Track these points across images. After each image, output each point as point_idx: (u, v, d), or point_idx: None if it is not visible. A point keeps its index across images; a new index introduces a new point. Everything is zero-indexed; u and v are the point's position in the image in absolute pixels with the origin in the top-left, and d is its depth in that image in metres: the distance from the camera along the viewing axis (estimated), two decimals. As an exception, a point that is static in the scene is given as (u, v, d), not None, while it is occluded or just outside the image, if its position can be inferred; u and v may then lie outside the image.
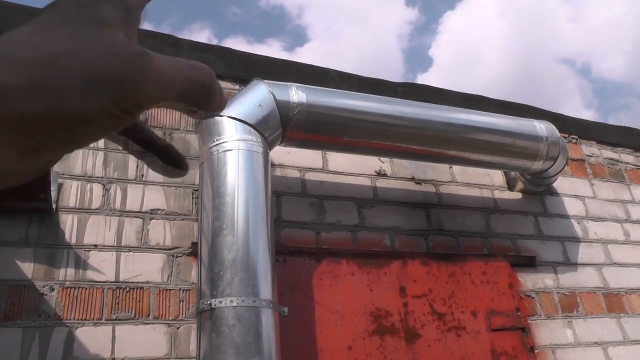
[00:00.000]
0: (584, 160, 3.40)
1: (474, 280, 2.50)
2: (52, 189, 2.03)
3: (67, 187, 2.11)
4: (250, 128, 2.03)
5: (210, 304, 1.71)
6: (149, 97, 0.34)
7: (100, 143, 2.25)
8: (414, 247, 2.49)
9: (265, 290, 1.77)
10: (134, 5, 0.37)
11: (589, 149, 3.49)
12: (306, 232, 2.32)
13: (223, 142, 1.98)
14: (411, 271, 2.38)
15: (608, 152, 3.56)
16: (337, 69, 2.93)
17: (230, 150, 1.96)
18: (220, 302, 1.70)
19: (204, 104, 0.38)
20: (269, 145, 2.10)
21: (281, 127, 2.14)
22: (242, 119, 2.02)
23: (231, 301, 1.69)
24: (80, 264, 1.97)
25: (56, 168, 2.12)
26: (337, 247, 2.31)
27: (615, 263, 3.03)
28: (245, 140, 1.98)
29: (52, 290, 1.90)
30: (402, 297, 2.30)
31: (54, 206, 2.03)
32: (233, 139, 1.98)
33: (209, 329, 1.70)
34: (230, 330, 1.66)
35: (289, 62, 2.85)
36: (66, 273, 1.94)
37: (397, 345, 2.20)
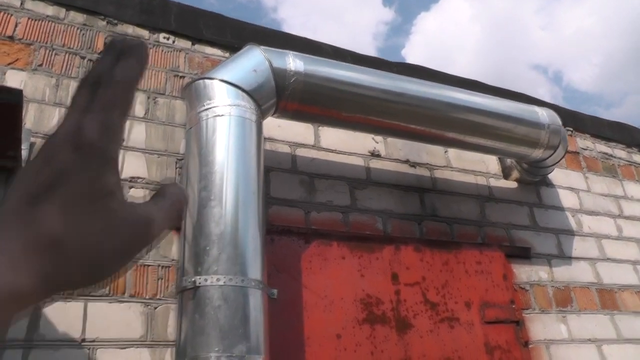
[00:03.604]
0: (578, 153, 3.32)
1: (468, 270, 2.38)
2: (22, 147, 1.84)
3: (39, 147, 1.92)
4: (244, 94, 1.87)
5: (194, 282, 1.55)
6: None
7: (77, 105, 2.06)
8: (407, 232, 2.36)
9: (255, 269, 1.62)
10: (115, 157, 0.39)
11: (583, 142, 3.40)
12: (295, 211, 2.17)
13: (213, 107, 1.81)
14: (404, 257, 2.25)
15: (602, 147, 3.48)
16: (332, 44, 2.78)
17: (222, 115, 1.79)
18: (206, 280, 1.53)
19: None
20: (262, 114, 1.94)
21: (276, 96, 1.98)
22: (236, 83, 1.85)
23: (218, 279, 1.53)
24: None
25: (28, 125, 1.93)
26: (328, 228, 2.17)
27: (608, 258, 2.95)
28: (238, 105, 1.82)
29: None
30: (394, 285, 2.17)
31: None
32: (225, 104, 1.81)
33: (192, 310, 1.54)
34: (216, 311, 1.50)
35: (282, 32, 2.69)
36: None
37: (388, 335, 2.07)
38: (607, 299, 2.81)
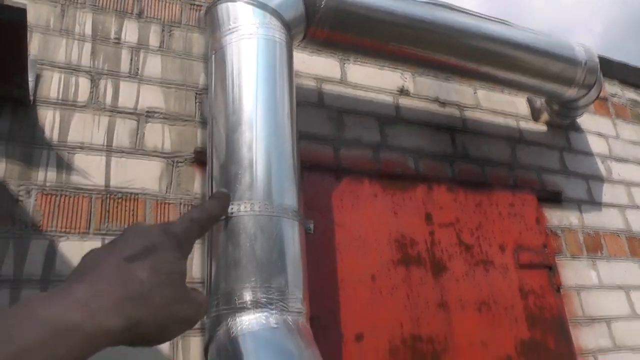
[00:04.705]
0: (607, 99, 3.18)
1: (502, 212, 2.26)
2: (29, 78, 1.68)
3: (46, 78, 1.77)
4: (272, 16, 1.71)
5: (226, 211, 1.41)
6: None
7: (88, 30, 1.90)
8: (440, 172, 2.23)
9: (291, 199, 1.48)
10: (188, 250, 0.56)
11: (612, 88, 3.26)
12: (324, 148, 2.03)
13: (239, 28, 1.65)
14: (437, 197, 2.13)
15: (631, 94, 3.34)
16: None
17: (249, 37, 1.63)
18: (239, 208, 1.40)
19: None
20: (291, 39, 1.78)
21: (305, 21, 1.82)
22: (264, 2, 1.69)
23: (252, 208, 1.40)
24: (63, 165, 1.65)
25: (34, 54, 1.77)
26: (358, 165, 2.04)
27: (637, 206, 2.85)
28: (268, 26, 1.66)
29: (29, 194, 1.58)
30: (428, 225, 2.05)
31: (31, 97, 1.69)
32: (252, 24, 1.65)
33: (224, 241, 1.40)
34: (252, 242, 1.37)
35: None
36: (46, 176, 1.62)
37: (423, 278, 1.96)
38: (636, 246, 2.71)
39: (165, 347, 1.56)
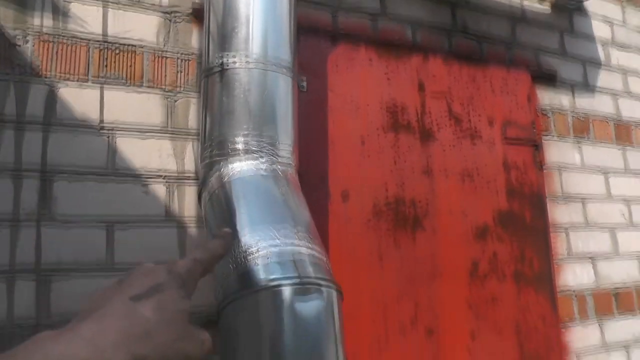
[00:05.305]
0: (617, -19, 3.09)
1: (494, 88, 2.30)
2: None
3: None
4: None
5: (221, 64, 1.44)
6: None
7: None
8: (437, 44, 2.23)
9: (286, 55, 1.51)
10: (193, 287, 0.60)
11: (624, -30, 3.15)
12: (322, 13, 2.01)
13: None
14: (432, 68, 2.15)
15: (642, -23, 3.23)
16: None
17: None
18: (234, 61, 1.43)
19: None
20: None
21: None
22: None
23: (247, 61, 1.43)
24: (59, 13, 1.65)
25: None
26: (356, 31, 2.03)
27: (632, 94, 2.87)
28: None
29: (26, 40, 1.60)
30: (420, 95, 2.09)
31: (24, -61, 1.65)
32: None
33: (219, 93, 1.45)
34: (246, 94, 1.42)
35: None
36: (42, 22, 1.62)
37: (411, 145, 2.03)
38: (622, 133, 2.78)
39: (161, 195, 1.66)
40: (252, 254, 1.19)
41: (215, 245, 0.66)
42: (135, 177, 1.62)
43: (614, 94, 2.80)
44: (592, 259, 2.50)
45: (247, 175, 1.37)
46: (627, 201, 2.68)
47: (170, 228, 1.62)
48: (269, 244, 1.21)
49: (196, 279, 0.60)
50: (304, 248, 1.24)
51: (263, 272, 1.17)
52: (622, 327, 2.54)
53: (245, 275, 1.19)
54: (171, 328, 0.49)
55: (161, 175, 1.65)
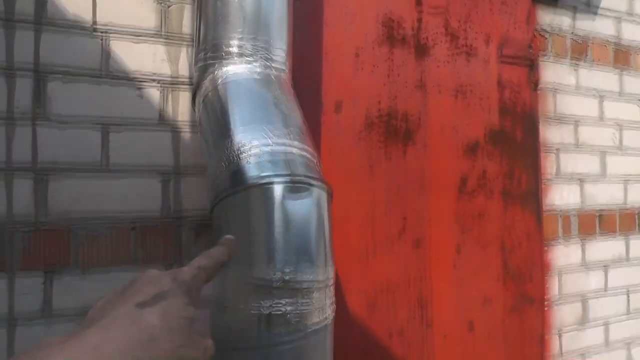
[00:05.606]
0: None
1: (493, 7, 2.26)
2: None
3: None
4: None
5: (215, -37, 1.42)
6: None
7: None
8: (437, -43, 2.18)
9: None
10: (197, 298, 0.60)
11: None
12: None
13: None
14: (431, -17, 2.11)
15: None
16: None
17: None
18: (229, -40, 1.41)
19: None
20: None
21: None
22: None
23: (241, -39, 1.40)
24: None
25: None
26: (355, -60, 1.98)
27: (634, 16, 2.83)
28: None
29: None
30: (417, 9, 2.06)
31: None
32: None
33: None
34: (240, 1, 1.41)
35: None
36: None
37: (406, 60, 2.02)
38: (620, 57, 2.76)
39: (155, 99, 1.67)
40: (245, 152, 1.22)
41: (218, 253, 0.68)
42: (129, 81, 1.62)
43: (617, 17, 2.76)
44: (580, 180, 2.55)
45: (241, 78, 1.38)
46: (620, 125, 2.71)
47: (165, 132, 1.65)
48: (261, 143, 1.23)
49: (200, 286, 0.62)
50: (296, 149, 1.27)
51: (255, 170, 1.20)
52: (603, 248, 2.63)
53: (237, 173, 1.22)
54: (176, 335, 0.51)
55: (155, 80, 1.65)
